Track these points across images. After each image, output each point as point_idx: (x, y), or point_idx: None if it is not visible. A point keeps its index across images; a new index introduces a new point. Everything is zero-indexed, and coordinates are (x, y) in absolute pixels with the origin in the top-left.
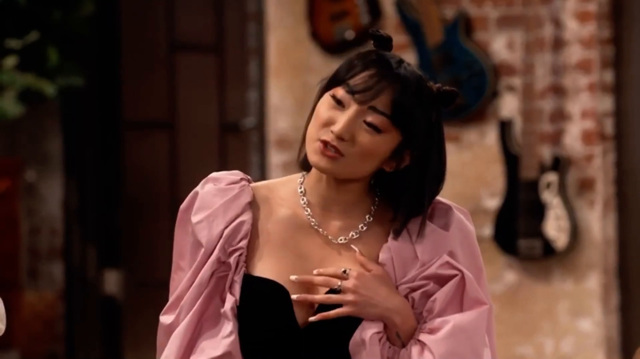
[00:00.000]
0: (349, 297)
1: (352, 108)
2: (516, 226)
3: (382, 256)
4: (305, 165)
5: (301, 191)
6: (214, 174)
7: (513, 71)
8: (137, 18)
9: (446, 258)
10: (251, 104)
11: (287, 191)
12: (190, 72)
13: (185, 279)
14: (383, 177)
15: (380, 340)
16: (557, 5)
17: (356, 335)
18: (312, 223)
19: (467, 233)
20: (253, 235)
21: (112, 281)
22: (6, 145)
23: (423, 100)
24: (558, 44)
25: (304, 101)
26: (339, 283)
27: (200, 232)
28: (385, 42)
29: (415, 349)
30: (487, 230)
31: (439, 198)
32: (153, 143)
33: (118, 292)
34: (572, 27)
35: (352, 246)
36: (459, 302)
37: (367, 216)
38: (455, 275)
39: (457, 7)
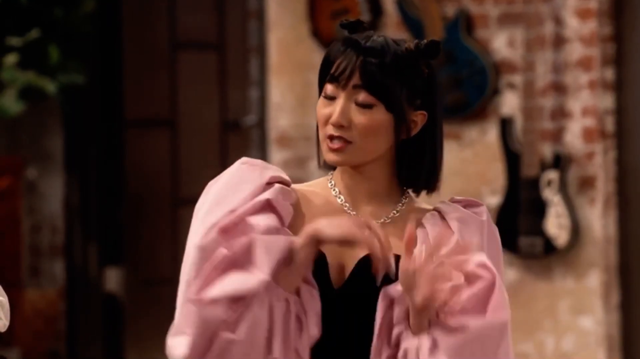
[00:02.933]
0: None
1: (341, 95)
2: (517, 224)
3: (419, 230)
4: (327, 166)
5: (331, 184)
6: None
7: (514, 69)
8: (139, 16)
9: (483, 258)
10: (252, 102)
11: (318, 186)
12: (191, 70)
13: (230, 205)
14: (410, 172)
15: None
16: (558, 2)
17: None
18: (346, 208)
19: (494, 231)
20: (292, 218)
21: (113, 279)
22: (7, 143)
23: (397, 60)
24: (559, 42)
25: (305, 99)
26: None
27: (251, 173)
28: (356, 26)
29: (426, 345)
30: None
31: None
32: (154, 140)
33: (119, 290)
34: (573, 25)
35: (410, 223)
36: (484, 306)
37: (398, 205)
38: (488, 278)
39: (458, 5)
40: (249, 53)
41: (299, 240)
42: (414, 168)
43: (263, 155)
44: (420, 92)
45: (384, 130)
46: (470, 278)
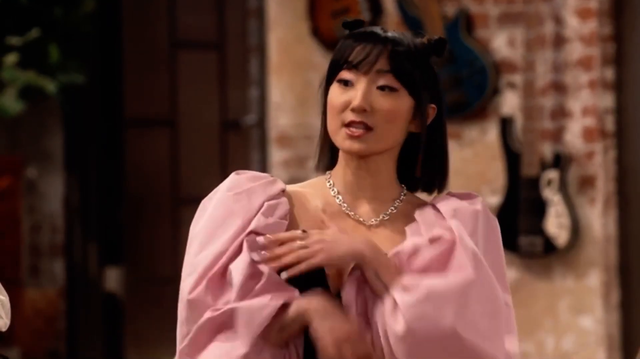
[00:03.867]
0: (315, 247)
1: (362, 80)
2: (517, 223)
3: (409, 227)
4: (324, 167)
5: (330, 184)
6: (241, 171)
7: (514, 68)
8: (139, 15)
9: (454, 223)
10: (252, 101)
11: (316, 185)
12: (191, 69)
13: (217, 246)
14: (411, 165)
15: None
16: (558, 2)
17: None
18: (344, 208)
19: (491, 219)
20: (289, 221)
21: (113, 279)
22: (7, 142)
23: (418, 52)
24: (559, 41)
25: (305, 98)
26: (300, 242)
27: (237, 202)
28: (357, 25)
29: (388, 307)
30: None
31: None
32: (154, 140)
33: (119, 289)
34: (573, 24)
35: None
36: (444, 265)
37: (396, 201)
38: (448, 239)
39: (458, 5)
40: (249, 52)
41: (288, 313)
42: (427, 166)
43: (263, 155)
44: (432, 85)
45: (404, 116)
46: (433, 241)
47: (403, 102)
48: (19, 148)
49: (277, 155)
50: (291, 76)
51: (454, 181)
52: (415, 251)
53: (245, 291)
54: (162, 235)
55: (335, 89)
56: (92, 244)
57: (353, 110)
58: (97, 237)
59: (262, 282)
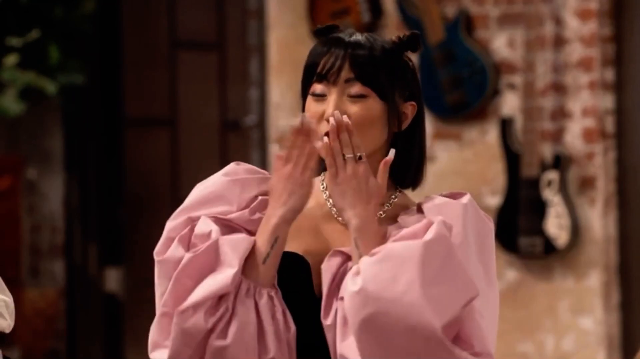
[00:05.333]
0: (341, 178)
1: (332, 91)
2: (517, 224)
3: (390, 227)
4: (318, 170)
5: (323, 187)
6: (239, 162)
7: (514, 69)
8: (138, 15)
9: (438, 219)
10: (252, 102)
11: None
12: (191, 69)
13: (193, 216)
14: (400, 168)
15: (340, 265)
16: (558, 3)
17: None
18: (333, 212)
19: (478, 213)
20: None
21: (113, 279)
22: (7, 142)
23: (384, 52)
24: (559, 42)
25: None
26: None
27: (229, 189)
28: (331, 31)
29: (353, 271)
30: None
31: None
32: (154, 140)
33: (119, 289)
34: (573, 25)
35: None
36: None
37: (386, 205)
38: (424, 222)
39: (458, 5)
40: (249, 52)
41: (271, 222)
42: (403, 163)
43: (263, 155)
44: (407, 83)
45: (379, 120)
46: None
47: (374, 107)
48: (19, 148)
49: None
50: (291, 76)
51: (454, 181)
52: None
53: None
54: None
55: (309, 102)
56: (92, 244)
57: (327, 119)
58: (97, 237)
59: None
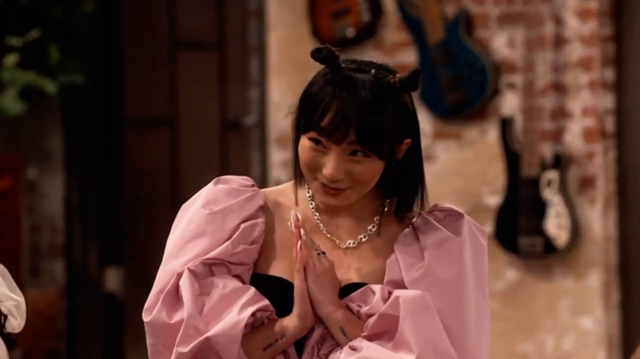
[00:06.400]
0: (319, 271)
1: (334, 150)
2: (517, 223)
3: (390, 259)
4: (304, 183)
5: (309, 197)
6: (224, 177)
7: (514, 69)
8: (139, 15)
9: (419, 293)
10: (252, 102)
11: (299, 198)
12: (191, 69)
13: (177, 265)
14: (389, 177)
15: (321, 340)
16: (558, 2)
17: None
18: (321, 228)
19: (478, 244)
20: (264, 239)
21: (113, 279)
22: (7, 142)
23: (388, 109)
24: (559, 42)
25: None
26: (318, 251)
27: (210, 223)
28: (329, 58)
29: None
30: (488, 228)
31: (451, 206)
32: (154, 140)
33: (119, 290)
34: (573, 25)
35: (294, 212)
36: (390, 338)
37: (375, 218)
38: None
39: (458, 5)
40: (249, 53)
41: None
42: (403, 191)
43: (263, 155)
44: (406, 124)
45: (378, 173)
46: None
47: (375, 164)
48: (19, 148)
49: (277, 155)
50: (291, 76)
51: (454, 181)
52: (370, 311)
53: (198, 305)
54: (161, 235)
55: (306, 143)
56: (92, 244)
57: (328, 179)
58: (97, 237)
59: (216, 293)
